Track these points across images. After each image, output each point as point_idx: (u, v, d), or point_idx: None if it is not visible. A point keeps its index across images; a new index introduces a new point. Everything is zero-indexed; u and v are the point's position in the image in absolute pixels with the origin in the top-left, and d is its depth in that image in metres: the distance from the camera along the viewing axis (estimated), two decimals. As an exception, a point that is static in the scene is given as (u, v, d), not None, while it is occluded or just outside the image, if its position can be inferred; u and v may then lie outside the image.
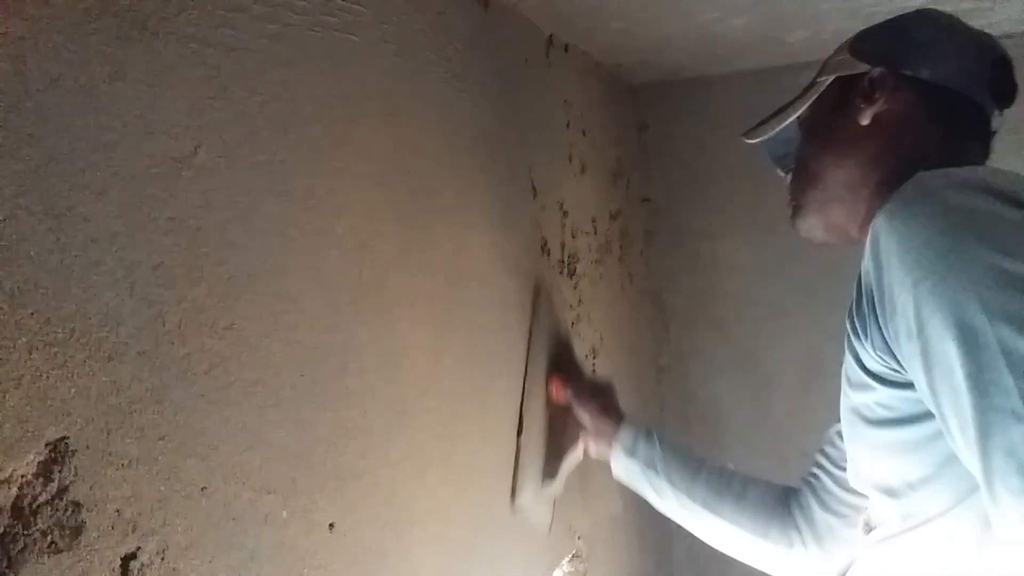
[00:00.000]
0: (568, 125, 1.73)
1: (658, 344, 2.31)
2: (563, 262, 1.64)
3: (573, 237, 1.71)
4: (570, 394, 1.30)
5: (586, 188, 1.81)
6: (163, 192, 0.68)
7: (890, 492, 0.78)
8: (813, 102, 0.90)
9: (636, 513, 1.78)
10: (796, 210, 0.95)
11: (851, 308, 0.76)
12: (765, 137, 0.96)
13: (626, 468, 1.22)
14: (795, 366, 2.16)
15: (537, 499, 1.33)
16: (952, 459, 0.67)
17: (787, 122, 0.93)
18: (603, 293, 1.87)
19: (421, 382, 1.08)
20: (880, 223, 0.68)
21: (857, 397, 0.79)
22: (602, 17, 1.57)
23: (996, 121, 0.86)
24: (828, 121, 0.89)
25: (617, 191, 2.04)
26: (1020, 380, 0.56)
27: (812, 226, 0.94)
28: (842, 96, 0.87)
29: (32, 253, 0.57)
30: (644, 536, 1.96)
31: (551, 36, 1.64)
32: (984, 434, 0.58)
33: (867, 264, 0.70)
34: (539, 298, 1.43)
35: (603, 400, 1.29)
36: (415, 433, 1.05)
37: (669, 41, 1.78)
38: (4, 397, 0.54)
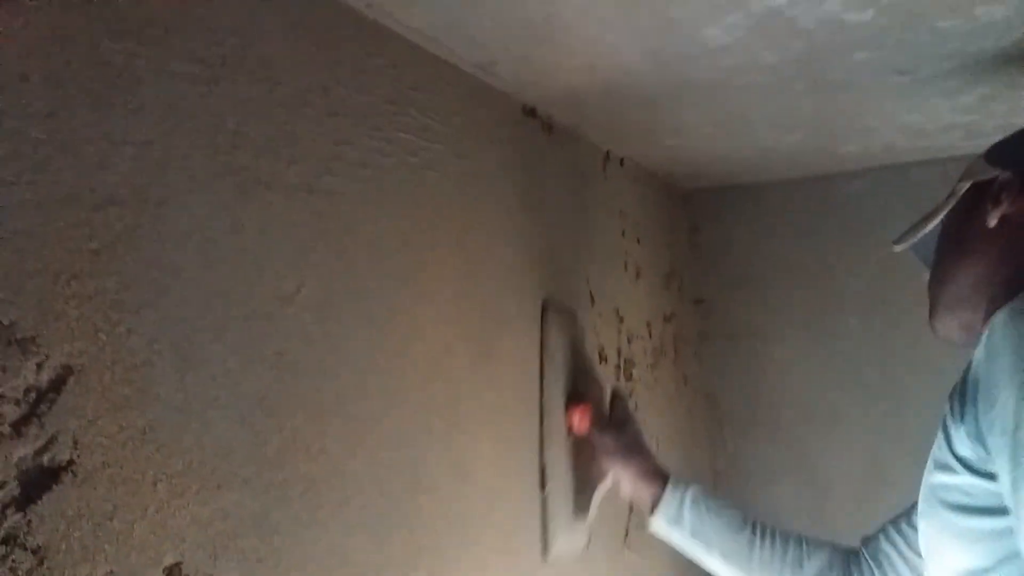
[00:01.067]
0: (623, 233, 1.80)
1: (713, 448, 2.29)
2: (619, 367, 1.67)
3: (629, 342, 1.74)
4: (593, 431, 1.24)
5: (640, 293, 1.86)
6: (270, 329, 0.74)
7: (948, 573, 0.80)
8: (952, 207, 0.95)
9: None
10: (931, 310, 0.97)
11: (955, 389, 0.79)
12: (910, 244, 1.01)
13: (668, 534, 1.17)
14: (855, 475, 2.12)
15: (570, 538, 1.27)
16: (1012, 557, 0.70)
17: (929, 228, 0.97)
18: (658, 397, 1.88)
19: (487, 497, 1.11)
20: (1000, 319, 0.71)
21: (940, 478, 0.80)
22: (658, 135, 1.65)
23: None
24: (960, 224, 0.93)
25: (670, 294, 2.08)
26: None
27: (947, 325, 0.95)
28: (974, 200, 0.91)
29: (161, 394, 0.63)
30: None
31: (608, 152, 1.73)
32: None
33: (979, 353, 0.73)
34: (547, 315, 1.32)
35: (629, 437, 1.23)
36: (480, 550, 1.07)
37: (723, 155, 1.85)
38: (132, 527, 0.59)
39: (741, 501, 2.26)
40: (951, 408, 0.78)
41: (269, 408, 0.73)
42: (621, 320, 1.72)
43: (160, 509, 0.62)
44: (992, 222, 0.86)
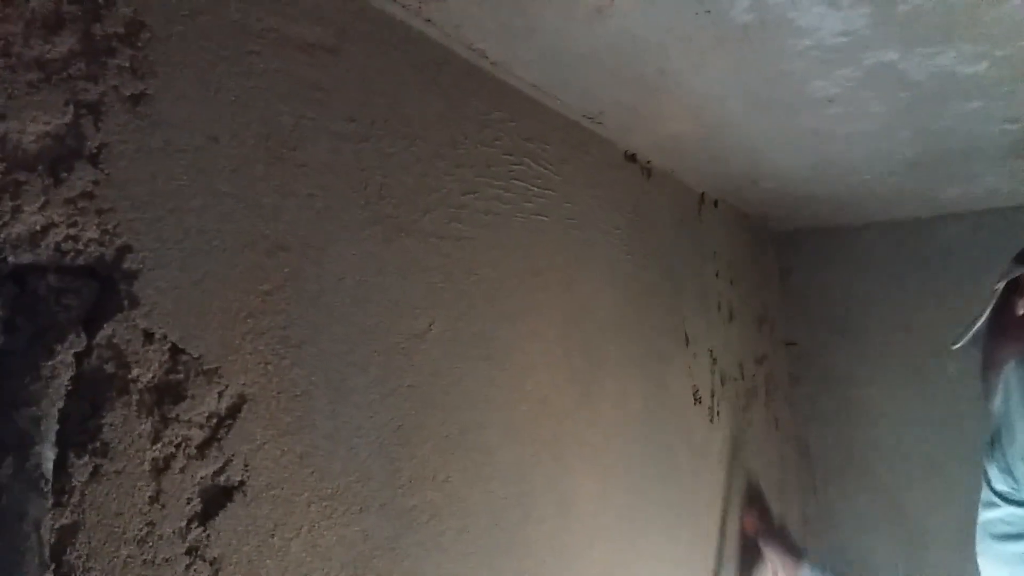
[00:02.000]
0: (717, 275, 1.81)
1: (804, 493, 2.24)
2: (712, 409, 1.68)
3: (722, 384, 1.75)
4: (759, 528, 1.60)
5: (733, 334, 1.86)
6: (406, 363, 0.80)
7: None
8: (994, 304, 1.13)
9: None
10: (984, 393, 1.13)
11: (986, 439, 0.92)
12: (965, 341, 1.19)
13: None
14: (953, 523, 2.04)
15: None
16: None
17: (979, 326, 1.15)
18: (750, 439, 1.87)
19: (587, 530, 1.14)
20: (1010, 366, 0.86)
21: (985, 515, 0.92)
22: (755, 178, 1.66)
23: None
24: (997, 317, 1.12)
25: (762, 336, 2.07)
26: None
27: (994, 405, 1.04)
28: (1007, 296, 1.10)
29: (316, 422, 0.69)
30: None
31: (703, 194, 1.76)
32: None
33: (998, 400, 0.87)
34: (733, 450, 1.73)
35: (786, 537, 1.59)
36: (581, 581, 1.10)
37: (818, 196, 1.85)
38: (289, 544, 0.65)
39: (833, 545, 2.21)
40: (985, 453, 0.90)
41: (402, 437, 0.79)
42: (715, 361, 1.72)
43: (312, 529, 0.67)
44: (1021, 310, 1.04)
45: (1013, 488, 0.85)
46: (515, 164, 1.06)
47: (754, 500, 1.75)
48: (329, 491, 0.70)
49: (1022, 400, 0.82)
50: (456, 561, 0.84)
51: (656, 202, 1.53)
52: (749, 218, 2.06)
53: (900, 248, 2.21)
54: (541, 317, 1.09)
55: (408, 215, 0.83)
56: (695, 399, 1.59)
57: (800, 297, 2.31)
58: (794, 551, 1.54)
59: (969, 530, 2.09)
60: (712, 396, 1.69)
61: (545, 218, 1.12)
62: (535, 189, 1.10)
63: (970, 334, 1.15)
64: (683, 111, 1.23)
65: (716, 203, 1.84)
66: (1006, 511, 0.87)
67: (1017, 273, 1.09)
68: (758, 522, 1.65)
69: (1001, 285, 1.12)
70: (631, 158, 1.44)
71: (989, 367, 1.09)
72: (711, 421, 1.66)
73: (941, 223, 2.13)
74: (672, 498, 1.44)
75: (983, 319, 1.13)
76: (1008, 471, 0.85)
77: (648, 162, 1.49)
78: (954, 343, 1.19)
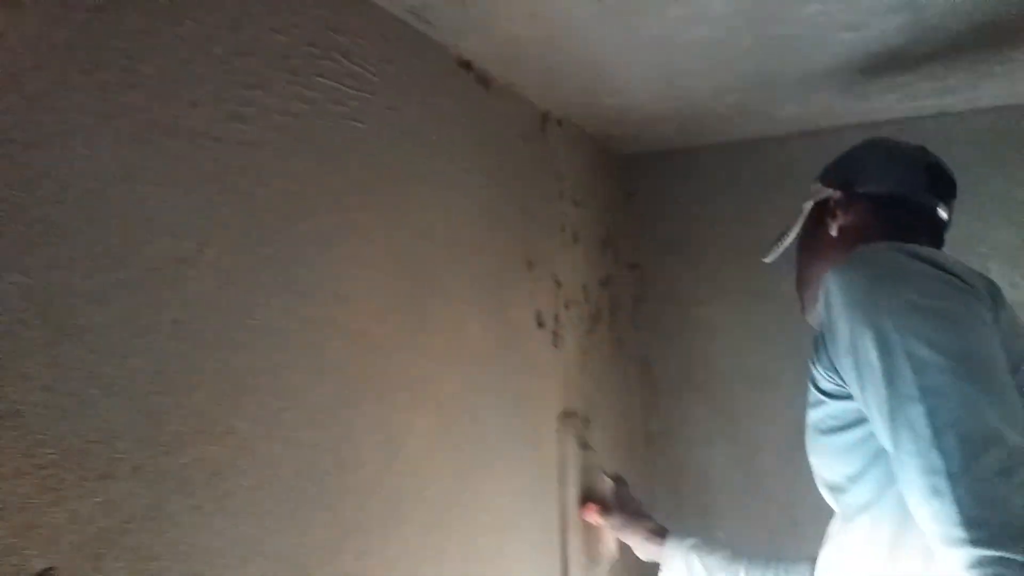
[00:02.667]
0: (560, 196, 1.73)
1: (647, 411, 2.28)
2: (556, 333, 1.62)
3: (566, 308, 1.69)
4: (608, 517, 1.50)
5: (578, 257, 1.81)
6: (169, 295, 0.65)
7: (834, 489, 0.96)
8: (803, 223, 1.17)
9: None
10: (802, 308, 1.20)
11: (812, 346, 0.96)
12: (775, 256, 1.24)
13: None
14: (784, 434, 2.14)
15: None
16: (877, 457, 0.87)
17: (788, 243, 1.20)
18: (594, 361, 1.85)
19: (419, 472, 1.04)
20: (828, 276, 0.89)
21: (814, 414, 0.97)
22: (598, 95, 1.58)
23: (944, 212, 1.08)
24: (810, 236, 1.16)
25: (607, 259, 2.04)
26: (916, 374, 0.76)
27: (816, 316, 1.06)
28: (818, 216, 1.14)
29: (28, 370, 0.53)
30: None
31: (546, 112, 1.65)
32: (892, 415, 0.77)
33: (820, 307, 0.91)
34: (562, 428, 1.58)
35: (631, 511, 1.49)
36: (411, 528, 1.01)
37: (662, 116, 1.80)
38: (-9, 529, 0.50)
39: (676, 461, 2.28)
40: (811, 358, 0.95)
41: (164, 385, 0.64)
42: (558, 285, 1.66)
43: (25, 507, 0.52)
44: (834, 232, 1.09)
45: (839, 385, 0.90)
46: (321, 58, 0.90)
47: (596, 488, 1.59)
48: (53, 457, 0.54)
49: (844, 303, 0.85)
50: (247, 523, 0.71)
51: (497, 118, 1.41)
52: (594, 139, 1.99)
53: (740, 169, 2.23)
54: (362, 240, 0.95)
55: (166, 109, 0.66)
56: (538, 324, 1.52)
57: (644, 219, 2.30)
58: (654, 531, 1.42)
59: (799, 439, 2.21)
60: (556, 320, 1.63)
61: (361, 125, 0.97)
62: (347, 90, 0.94)
63: (780, 250, 1.21)
64: (517, 10, 1.10)
65: (560, 122, 1.74)
66: (832, 407, 0.92)
67: (824, 195, 1.13)
68: (604, 511, 1.51)
69: (809, 207, 1.16)
70: (466, 65, 1.31)
71: (804, 285, 1.14)
72: (555, 346, 1.61)
73: (778, 144, 2.16)
74: (515, 427, 1.37)
75: (791, 237, 1.18)
76: (832, 368, 0.89)
77: (486, 72, 1.36)
78: (764, 257, 1.27)
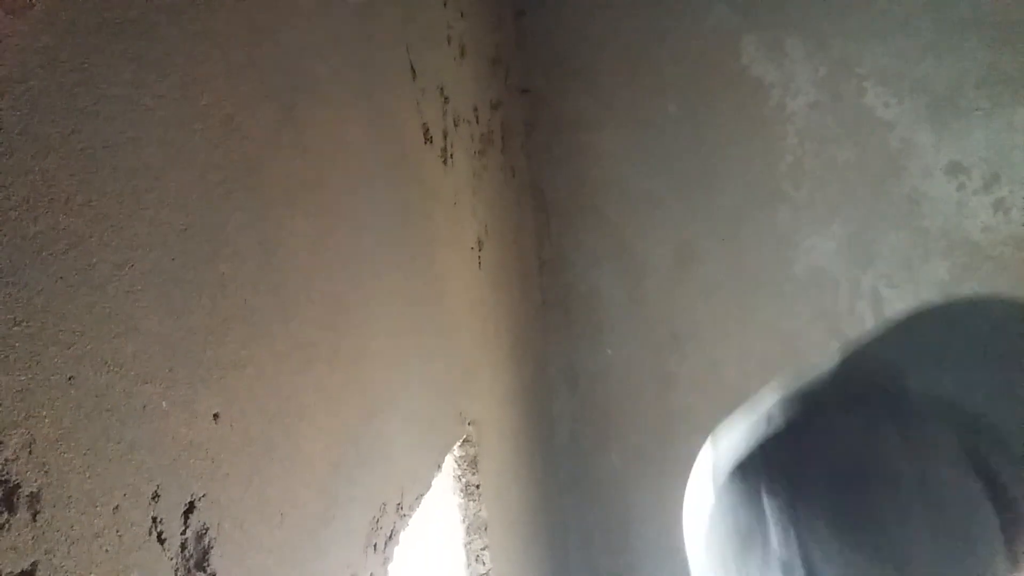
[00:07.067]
0: (445, 4, 1.65)
1: (540, 237, 2.33)
2: (445, 151, 1.60)
3: (455, 125, 1.66)
4: None
5: (466, 74, 1.76)
6: (-11, 45, 0.59)
7: None
8: None
9: (523, 397, 1.84)
10: None
11: None
12: None
13: None
14: (668, 254, 2.25)
15: None
16: None
17: None
18: (487, 185, 1.85)
19: (303, 271, 1.04)
20: None
21: None
22: None
23: None
24: None
25: (497, 80, 1.99)
26: None
27: None
28: None
29: None
30: (530, 418, 2.04)
31: (426, -94, 1.54)
32: None
33: None
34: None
35: None
36: (300, 324, 1.02)
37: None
38: None
39: (566, 284, 2.36)
40: None
41: (8, 148, 0.59)
42: (446, 100, 1.62)
43: None
44: None
45: None
46: None
47: None
48: None
49: None
50: (116, 299, 0.69)
51: (367, -97, 1.29)
52: (481, -53, 1.89)
53: (631, -12, 2.18)
54: (216, 17, 0.88)
55: None
56: (425, 138, 1.49)
57: (534, 42, 2.25)
58: None
59: (681, 258, 2.31)
60: (445, 137, 1.60)
61: None
62: None
63: None
64: None
65: (442, -79, 1.63)
66: None
67: None
68: None
69: None
70: None
71: None
72: (444, 163, 1.59)
73: (667, -38, 2.11)
74: (404, 238, 1.38)
75: None
76: None
77: None
78: None
